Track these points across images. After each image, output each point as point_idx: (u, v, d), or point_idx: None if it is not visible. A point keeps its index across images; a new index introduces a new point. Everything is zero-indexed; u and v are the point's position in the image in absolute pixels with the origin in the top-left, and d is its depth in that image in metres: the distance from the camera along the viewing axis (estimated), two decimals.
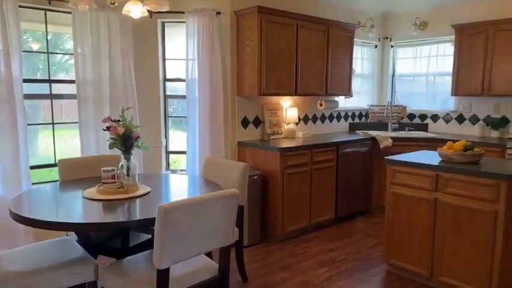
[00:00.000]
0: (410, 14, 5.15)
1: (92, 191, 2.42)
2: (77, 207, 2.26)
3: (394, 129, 5.09)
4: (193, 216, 1.87)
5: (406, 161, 2.92)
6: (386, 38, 5.47)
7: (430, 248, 2.83)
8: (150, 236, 2.66)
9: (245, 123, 4.10)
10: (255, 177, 3.62)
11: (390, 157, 3.06)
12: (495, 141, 4.11)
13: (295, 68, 4.02)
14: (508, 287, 2.62)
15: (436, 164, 2.78)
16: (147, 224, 2.02)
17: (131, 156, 2.45)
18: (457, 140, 3.84)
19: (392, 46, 5.47)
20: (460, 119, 4.86)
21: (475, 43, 4.34)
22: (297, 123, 4.53)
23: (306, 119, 4.71)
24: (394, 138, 4.54)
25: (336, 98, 4.89)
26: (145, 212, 2.18)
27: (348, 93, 4.69)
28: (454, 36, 4.53)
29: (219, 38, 3.80)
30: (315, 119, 4.82)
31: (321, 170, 3.99)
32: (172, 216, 1.78)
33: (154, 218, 1.85)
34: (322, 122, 4.93)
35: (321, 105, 4.61)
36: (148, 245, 2.51)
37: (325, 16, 4.45)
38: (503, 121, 4.43)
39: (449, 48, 4.85)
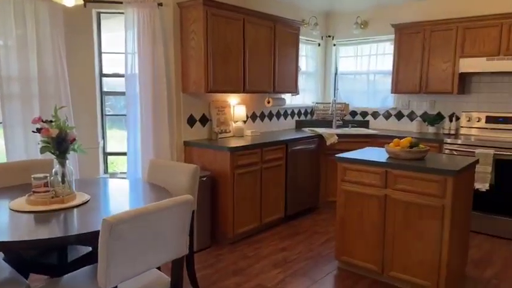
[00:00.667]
0: (352, 12, 5.27)
1: (20, 202, 2.11)
2: (2, 221, 1.96)
3: (338, 126, 5.19)
4: (143, 228, 1.68)
5: (356, 159, 2.94)
6: (329, 36, 5.55)
7: (381, 243, 2.87)
8: (90, 248, 2.40)
9: (191, 121, 3.91)
10: (204, 178, 3.46)
11: (341, 155, 3.06)
12: (432, 137, 4.32)
13: (242, 64, 3.90)
14: (454, 278, 2.74)
15: (385, 161, 2.83)
16: (88, 239, 1.79)
17: (67, 161, 2.18)
18: (398, 136, 3.98)
19: (334, 44, 5.56)
20: (399, 115, 5.07)
21: (413, 42, 4.53)
22: (245, 121, 4.42)
23: (253, 117, 4.62)
24: (338, 135, 4.61)
25: (283, 96, 4.86)
26: (85, 224, 1.93)
27: (295, 90, 4.68)
28: (393, 35, 4.69)
29: (161, 31, 3.56)
30: (262, 116, 4.75)
31: (270, 169, 3.92)
32: (119, 230, 1.58)
33: (96, 232, 1.63)
34: (270, 119, 4.87)
35: (268, 102, 4.54)
36: (89, 258, 2.26)
37: (271, 12, 4.38)
38: (439, 117, 4.68)
39: (389, 47, 5.03)
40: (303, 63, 5.31)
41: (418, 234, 2.68)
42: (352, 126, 5.25)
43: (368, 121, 5.30)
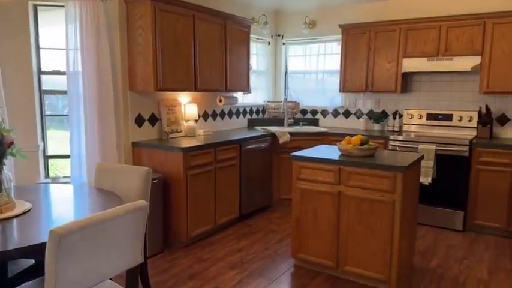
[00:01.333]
0: (300, 12, 5.34)
1: None
2: None
3: (290, 125, 5.24)
4: (94, 238, 1.56)
5: (311, 157, 2.97)
6: (279, 35, 5.59)
7: (335, 239, 2.93)
8: (33, 260, 2.21)
9: (140, 121, 3.74)
10: (155, 181, 3.32)
11: (296, 153, 3.08)
12: (378, 134, 4.50)
13: (193, 61, 3.80)
14: (404, 270, 2.86)
15: (338, 158, 2.88)
16: (31, 252, 1.63)
17: (4, 167, 1.97)
18: (347, 134, 4.08)
19: (284, 43, 5.61)
20: (347, 113, 5.23)
21: (359, 43, 4.69)
22: (196, 121, 4.32)
23: (205, 116, 4.53)
24: (290, 133, 4.65)
25: (235, 94, 4.82)
26: (28, 236, 1.76)
27: (247, 89, 4.65)
28: (340, 35, 4.82)
29: (106, 26, 3.37)
30: (214, 115, 4.67)
31: (224, 169, 3.86)
32: (68, 242, 1.45)
33: (42, 244, 1.49)
34: (222, 118, 4.81)
35: (220, 101, 4.47)
36: (32, 272, 2.07)
37: (221, 9, 4.31)
38: (383, 115, 4.89)
39: (336, 47, 5.16)
40: (254, 62, 5.29)
41: (370, 229, 2.77)
42: (303, 125, 5.33)
43: (318, 119, 5.42)
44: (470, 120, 4.30)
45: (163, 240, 3.46)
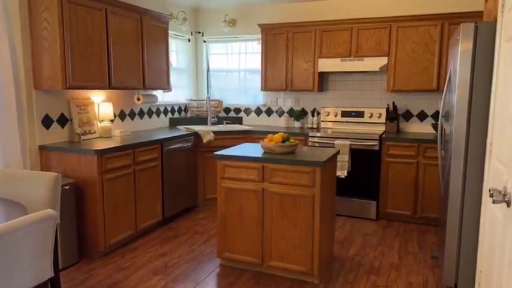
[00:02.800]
0: (220, 10, 5.32)
1: None
2: None
3: (213, 123, 5.20)
4: None
5: (235, 155, 2.96)
6: (199, 32, 5.51)
7: (260, 236, 2.96)
8: None
9: (47, 122, 3.42)
10: (67, 187, 3.06)
11: (220, 152, 3.05)
12: (298, 131, 4.66)
13: (107, 58, 3.57)
14: (325, 260, 2.99)
15: (261, 156, 2.91)
16: None
17: None
18: (270, 132, 4.15)
19: (205, 41, 5.54)
20: (269, 111, 5.33)
21: (278, 43, 4.80)
22: (112, 120, 4.07)
23: (122, 115, 4.29)
24: (214, 132, 4.61)
25: (154, 92, 4.64)
26: None
27: (167, 87, 4.50)
28: (260, 35, 4.89)
29: (5, 19, 3.01)
30: (132, 114, 4.45)
31: (145, 171, 3.69)
32: None
33: None
34: (141, 117, 4.60)
35: (138, 99, 4.27)
36: None
37: (137, 3, 4.11)
38: (303, 113, 5.07)
39: (257, 46, 5.23)
40: (174, 59, 5.15)
41: (293, 223, 2.85)
42: (227, 123, 5.32)
43: (241, 117, 5.45)
44: (379, 117, 4.64)
45: (78, 250, 3.21)
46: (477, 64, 2.33)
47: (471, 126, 2.39)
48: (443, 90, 4.26)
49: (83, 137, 3.64)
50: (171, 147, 4.07)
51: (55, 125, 3.49)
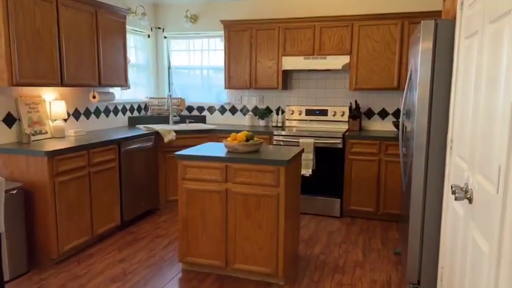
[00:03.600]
0: (181, 5, 5.16)
1: None
2: None
3: (175, 122, 5.04)
4: None
5: (196, 155, 2.85)
6: (159, 28, 5.32)
7: (224, 238, 2.87)
8: None
9: None
10: (14, 191, 2.83)
11: (181, 152, 2.93)
12: (263, 130, 4.60)
13: (58, 53, 3.35)
14: (290, 260, 2.94)
15: (224, 155, 2.82)
16: None
17: None
18: (234, 130, 4.07)
19: (165, 37, 5.36)
20: (233, 110, 5.24)
21: (242, 40, 4.72)
22: (65, 120, 3.83)
23: (77, 114, 4.05)
24: (176, 132, 4.46)
25: (112, 90, 4.42)
26: None
27: (125, 84, 4.30)
28: (223, 31, 4.79)
29: None
30: (88, 113, 4.21)
31: (101, 173, 3.50)
32: None
33: None
34: (97, 117, 4.36)
35: (94, 97, 4.05)
36: None
37: None
38: (268, 111, 5.02)
39: (220, 43, 5.12)
40: (132, 55, 4.94)
41: (257, 224, 2.77)
42: (190, 122, 5.18)
43: (205, 116, 5.32)
44: (342, 115, 4.67)
45: (28, 258, 2.98)
46: (437, 61, 2.35)
47: (432, 123, 2.41)
48: (404, 89, 4.36)
49: (33, 138, 3.40)
50: (130, 147, 3.89)
51: (1, 125, 3.23)
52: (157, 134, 4.33)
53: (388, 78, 4.26)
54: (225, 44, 4.79)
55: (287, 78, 4.88)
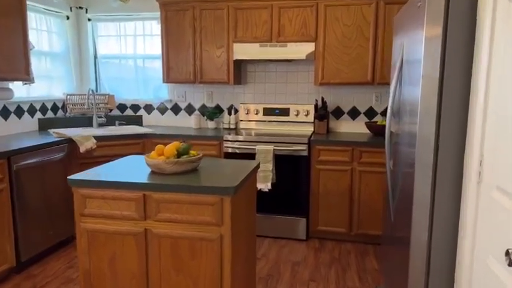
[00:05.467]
0: None
1: None
2: None
3: (101, 125, 4.06)
4: None
5: (100, 181, 1.94)
6: (81, 8, 4.29)
7: None
8: None
9: None
10: None
11: (76, 176, 2.00)
12: (212, 133, 3.74)
13: None
14: None
15: (142, 181, 1.93)
16: None
17: None
18: (175, 135, 3.26)
19: (90, 19, 4.33)
20: (176, 109, 4.33)
21: (183, 22, 3.81)
22: None
23: None
24: (99, 138, 3.50)
25: (10, 85, 3.38)
26: None
27: (27, 77, 3.27)
28: (159, 12, 3.86)
29: None
30: None
31: None
32: None
33: None
34: None
35: None
36: None
37: None
38: (218, 110, 4.16)
39: (157, 27, 4.18)
40: (44, 41, 3.90)
41: (191, 280, 1.92)
42: (120, 124, 4.21)
43: (141, 116, 4.36)
44: (307, 115, 3.90)
45: None
46: (451, 41, 1.59)
47: (442, 133, 1.65)
48: (379, 84, 3.66)
49: None
50: (27, 162, 2.89)
51: None
52: (71, 142, 3.35)
53: (360, 71, 3.53)
54: (161, 27, 3.86)
55: (240, 71, 4.04)
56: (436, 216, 1.67)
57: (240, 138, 3.54)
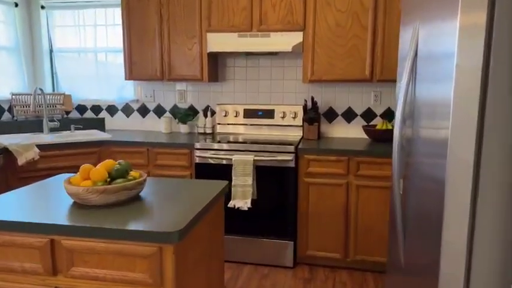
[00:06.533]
0: None
1: None
2: None
3: (53, 130, 3.46)
4: None
5: None
6: None
7: None
8: None
9: None
10: None
11: None
12: (184, 140, 3.16)
13: None
14: None
15: (54, 219, 1.36)
16: None
17: None
18: (140, 143, 2.71)
19: (43, 7, 3.73)
20: (144, 110, 3.75)
21: (147, 9, 3.23)
22: None
23: None
24: (45, 146, 2.91)
25: None
26: None
27: None
28: None
29: None
30: None
31: None
32: None
33: None
34: None
35: None
36: None
37: None
38: (191, 112, 3.58)
39: (120, 15, 3.59)
40: None
41: None
42: (77, 128, 3.62)
43: (103, 119, 3.77)
44: (294, 117, 3.34)
45: None
46: (499, 21, 1.04)
47: (484, 152, 1.10)
48: (379, 81, 3.10)
49: None
50: None
51: None
52: (7, 152, 2.76)
53: (356, 65, 2.97)
54: (122, 15, 3.28)
55: (217, 66, 3.47)
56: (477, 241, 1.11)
57: (215, 146, 2.97)
